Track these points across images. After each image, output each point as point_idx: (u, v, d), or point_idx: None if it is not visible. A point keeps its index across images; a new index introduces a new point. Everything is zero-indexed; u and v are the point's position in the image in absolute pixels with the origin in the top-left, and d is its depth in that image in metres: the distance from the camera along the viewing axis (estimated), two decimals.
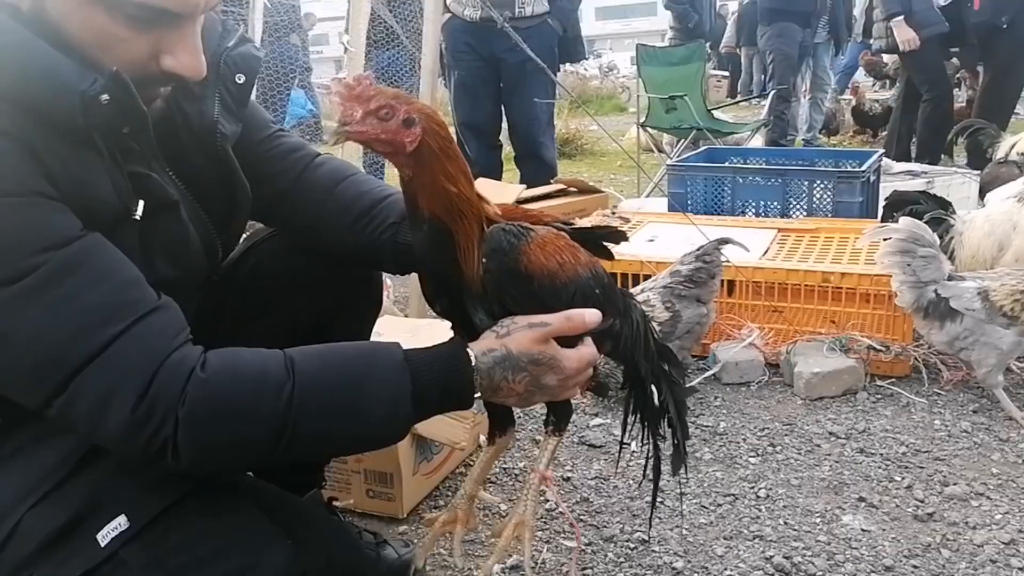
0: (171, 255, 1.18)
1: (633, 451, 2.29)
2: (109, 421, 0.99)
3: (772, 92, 6.45)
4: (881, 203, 3.43)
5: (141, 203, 1.12)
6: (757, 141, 6.53)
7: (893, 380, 2.63)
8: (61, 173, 1.01)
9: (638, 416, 1.45)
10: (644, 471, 1.53)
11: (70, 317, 0.98)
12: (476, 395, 1.15)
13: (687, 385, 1.51)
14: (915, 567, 1.75)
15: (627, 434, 1.52)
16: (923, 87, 5.63)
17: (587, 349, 1.20)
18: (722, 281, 2.87)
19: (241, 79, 1.28)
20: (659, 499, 1.55)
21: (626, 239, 1.38)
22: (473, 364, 1.13)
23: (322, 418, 1.06)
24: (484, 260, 1.15)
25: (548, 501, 1.49)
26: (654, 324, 2.43)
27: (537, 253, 1.16)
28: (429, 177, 1.11)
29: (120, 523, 1.07)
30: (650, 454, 1.48)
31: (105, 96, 1.01)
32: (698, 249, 2.60)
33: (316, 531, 1.16)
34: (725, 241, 2.62)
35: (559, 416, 1.33)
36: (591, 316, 1.18)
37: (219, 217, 1.30)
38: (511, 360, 1.14)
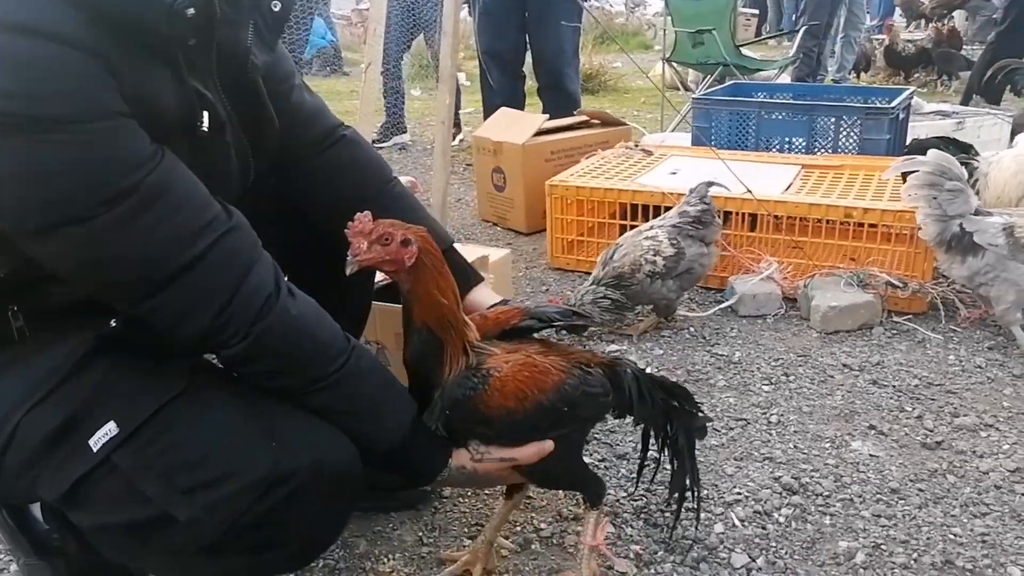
0: (214, 174, 1.20)
1: None
2: (187, 327, 1.12)
3: (803, 28, 6.28)
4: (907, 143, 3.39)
5: (207, 115, 1.15)
6: (785, 80, 6.40)
7: (910, 316, 2.64)
8: (133, 86, 1.03)
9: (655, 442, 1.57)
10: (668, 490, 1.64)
11: (160, 239, 1.06)
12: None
13: (700, 416, 1.55)
14: (920, 490, 1.79)
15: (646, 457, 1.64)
16: None
17: (544, 445, 1.36)
18: (744, 215, 2.88)
19: (277, 6, 1.27)
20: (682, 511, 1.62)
21: (585, 330, 1.49)
22: (446, 469, 1.33)
23: (338, 402, 1.23)
24: (447, 412, 1.30)
25: (611, 568, 1.57)
26: (659, 259, 2.46)
27: (495, 397, 1.30)
28: (424, 288, 1.27)
29: (110, 429, 1.12)
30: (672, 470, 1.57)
31: (191, 10, 1.04)
32: (692, 191, 2.62)
33: (303, 434, 1.18)
34: (712, 183, 2.64)
35: (592, 495, 1.49)
36: (549, 446, 1.35)
37: (249, 139, 1.31)
38: (476, 478, 1.37)
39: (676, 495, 1.56)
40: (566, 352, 1.43)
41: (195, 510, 1.10)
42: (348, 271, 1.23)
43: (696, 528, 1.65)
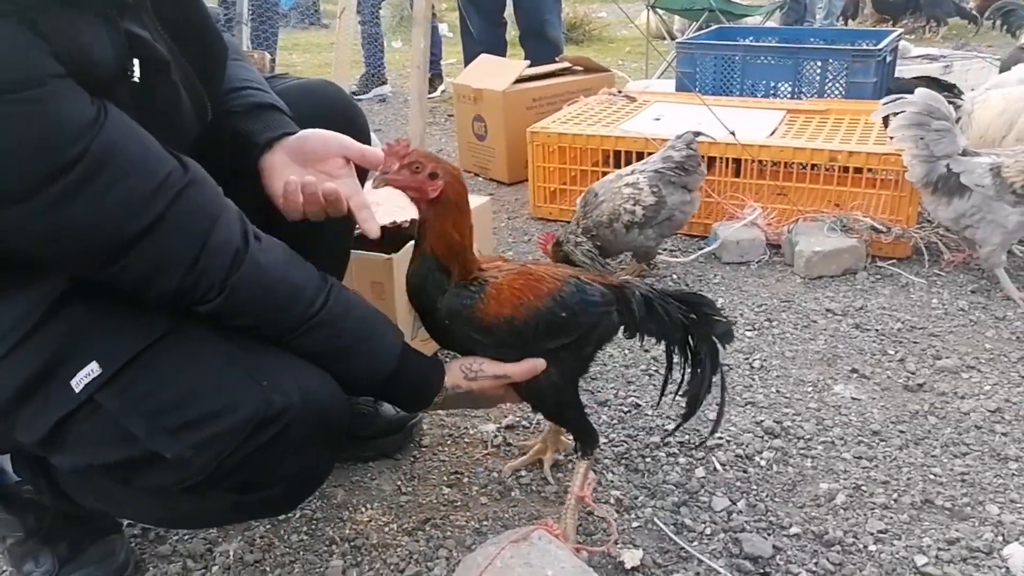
0: (165, 121, 1.14)
1: None
2: (158, 287, 1.09)
3: None
4: None
5: (137, 63, 1.07)
6: (772, 26, 6.28)
7: (894, 261, 2.62)
8: (61, 41, 0.96)
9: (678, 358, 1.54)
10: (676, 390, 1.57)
11: (112, 207, 1.02)
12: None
13: (722, 321, 1.49)
14: (901, 432, 1.79)
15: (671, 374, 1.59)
16: None
17: (537, 363, 1.37)
18: (728, 160, 2.83)
19: None
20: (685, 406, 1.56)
21: None
22: (442, 389, 1.34)
23: (327, 341, 1.21)
24: (447, 322, 1.34)
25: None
26: (639, 208, 2.41)
27: (491, 305, 1.34)
28: (440, 223, 1.32)
29: (92, 369, 1.09)
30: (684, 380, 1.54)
31: None
32: (679, 137, 2.55)
33: (292, 373, 1.16)
34: (699, 133, 2.58)
35: (585, 443, 1.49)
36: (542, 364, 1.37)
37: (199, 69, 1.24)
38: (471, 397, 1.38)
39: (690, 396, 1.52)
40: (571, 272, 1.46)
41: (182, 448, 1.08)
42: (374, 186, 1.30)
43: (709, 453, 1.64)
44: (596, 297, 1.42)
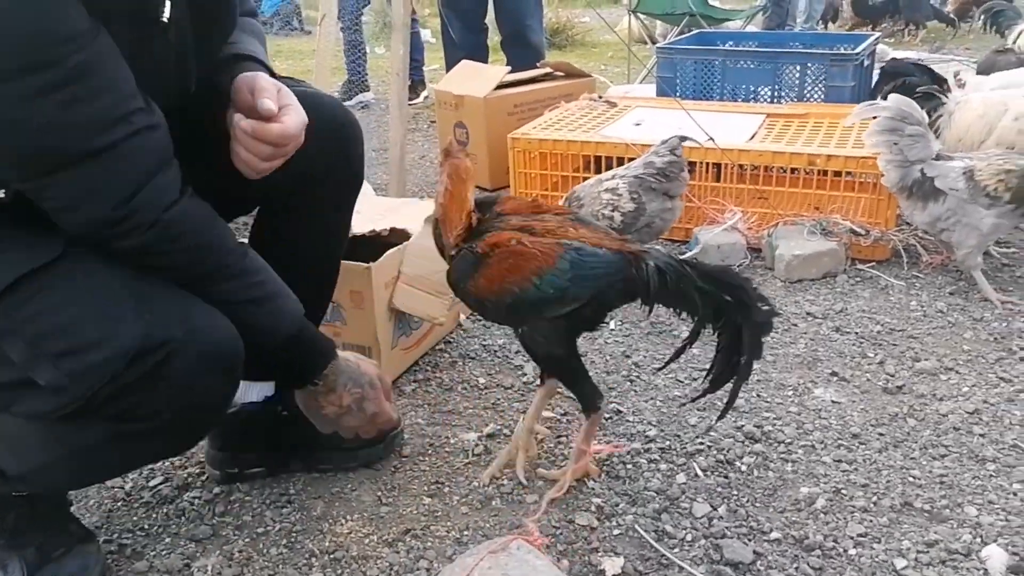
0: (150, 71, 1.15)
1: (611, 328, 2.32)
2: (82, 213, 1.11)
3: None
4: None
5: (168, 3, 1.11)
6: (753, 30, 6.32)
7: (873, 264, 2.64)
8: None
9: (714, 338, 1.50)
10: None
11: (75, 118, 1.04)
12: (316, 381, 1.51)
13: (764, 309, 1.44)
14: (881, 435, 1.80)
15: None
16: None
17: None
18: (708, 165, 2.84)
19: None
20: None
21: None
22: (335, 356, 1.50)
23: (238, 292, 1.28)
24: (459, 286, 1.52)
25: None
26: (617, 215, 2.41)
27: (480, 282, 1.46)
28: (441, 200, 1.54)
29: None
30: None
31: None
32: (665, 141, 2.55)
33: (179, 308, 1.17)
34: (685, 138, 2.58)
35: (582, 401, 1.60)
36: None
37: (197, 42, 1.24)
38: (356, 374, 1.54)
39: (715, 382, 1.51)
40: (582, 233, 1.49)
41: (58, 376, 1.09)
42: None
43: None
44: (598, 268, 1.44)
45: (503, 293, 1.45)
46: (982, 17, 4.68)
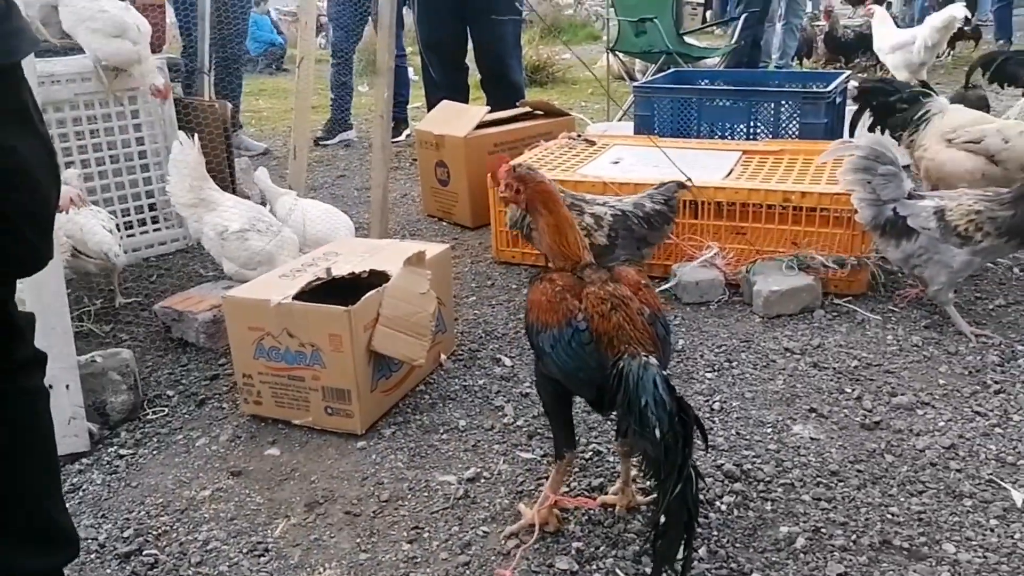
0: None
1: None
2: None
3: (744, 15, 6.32)
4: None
5: None
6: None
7: (849, 299, 2.67)
8: None
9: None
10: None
11: None
12: None
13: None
14: (859, 471, 1.80)
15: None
16: None
17: None
18: (686, 202, 2.87)
19: None
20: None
21: None
22: None
23: None
24: None
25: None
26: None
27: (531, 309, 1.57)
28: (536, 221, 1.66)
29: None
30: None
31: None
32: (661, 186, 2.58)
33: None
34: (683, 185, 2.60)
35: (556, 447, 1.62)
36: None
37: None
38: None
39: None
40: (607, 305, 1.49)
41: None
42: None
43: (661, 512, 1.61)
44: (569, 360, 1.46)
45: (532, 325, 1.55)
46: (986, 75, 4.27)
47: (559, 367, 1.48)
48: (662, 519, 1.32)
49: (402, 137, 5.53)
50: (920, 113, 3.05)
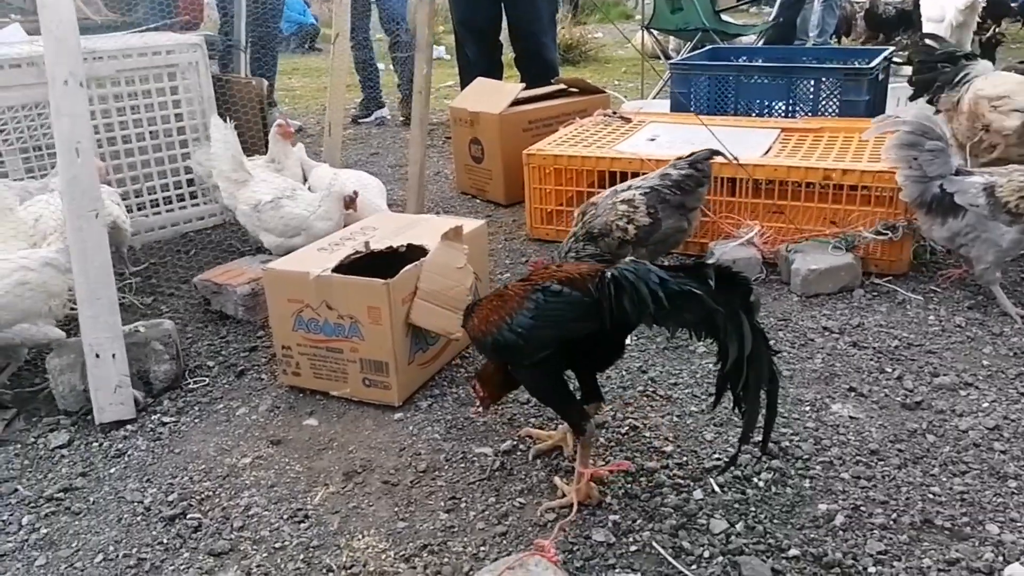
0: None
1: (627, 343, 2.32)
2: None
3: None
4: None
5: None
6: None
7: (890, 278, 2.62)
8: None
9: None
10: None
11: None
12: None
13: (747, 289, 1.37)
14: (900, 451, 1.78)
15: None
16: None
17: None
18: (723, 180, 2.84)
19: None
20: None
21: None
22: None
23: None
24: None
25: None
26: (631, 227, 2.40)
27: (473, 321, 1.66)
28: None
29: None
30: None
31: None
32: (690, 155, 2.54)
33: None
34: (716, 152, 2.56)
35: (572, 427, 1.65)
36: None
37: None
38: None
39: (721, 389, 1.41)
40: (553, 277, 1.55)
41: None
42: None
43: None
44: (560, 308, 1.50)
45: (485, 333, 1.60)
46: None
47: (553, 323, 1.50)
48: (736, 375, 1.35)
49: (371, 118, 5.54)
50: (961, 75, 2.97)
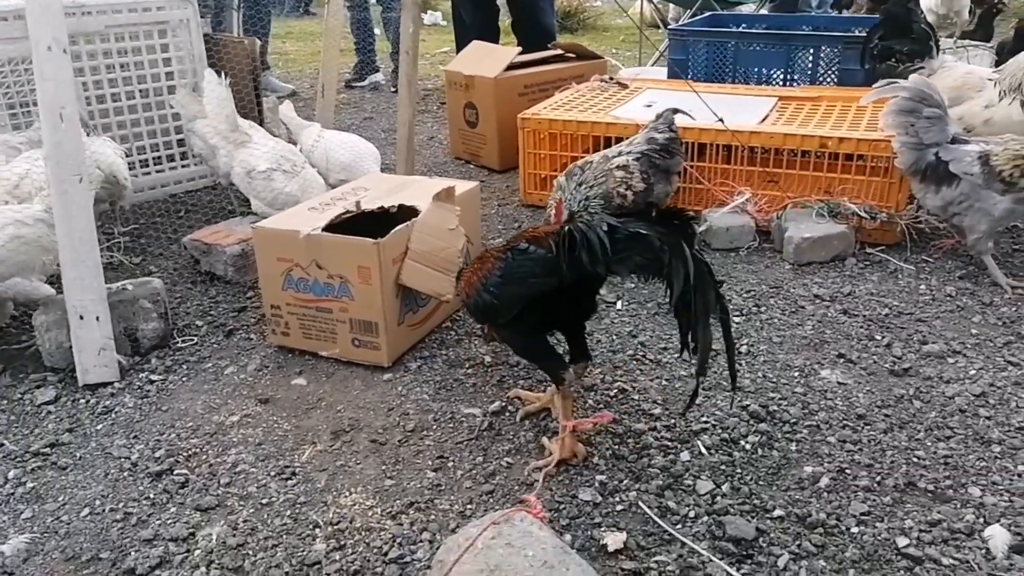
0: None
1: (617, 308, 2.32)
2: None
3: None
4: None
5: None
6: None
7: (883, 248, 2.62)
8: None
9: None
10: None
11: None
12: None
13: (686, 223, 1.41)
14: (886, 416, 1.79)
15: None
16: None
17: None
18: (719, 147, 2.82)
19: None
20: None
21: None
22: None
23: None
24: None
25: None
26: (629, 193, 2.41)
27: (461, 285, 1.72)
28: None
29: None
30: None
31: None
32: (658, 118, 2.57)
33: None
34: (677, 111, 2.61)
35: (551, 375, 1.67)
36: None
37: None
38: None
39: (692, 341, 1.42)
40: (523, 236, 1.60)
41: None
42: None
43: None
44: (524, 267, 1.54)
45: (468, 294, 1.65)
46: None
47: (519, 281, 1.54)
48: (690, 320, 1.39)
49: (365, 83, 5.48)
50: (915, 66, 2.87)
